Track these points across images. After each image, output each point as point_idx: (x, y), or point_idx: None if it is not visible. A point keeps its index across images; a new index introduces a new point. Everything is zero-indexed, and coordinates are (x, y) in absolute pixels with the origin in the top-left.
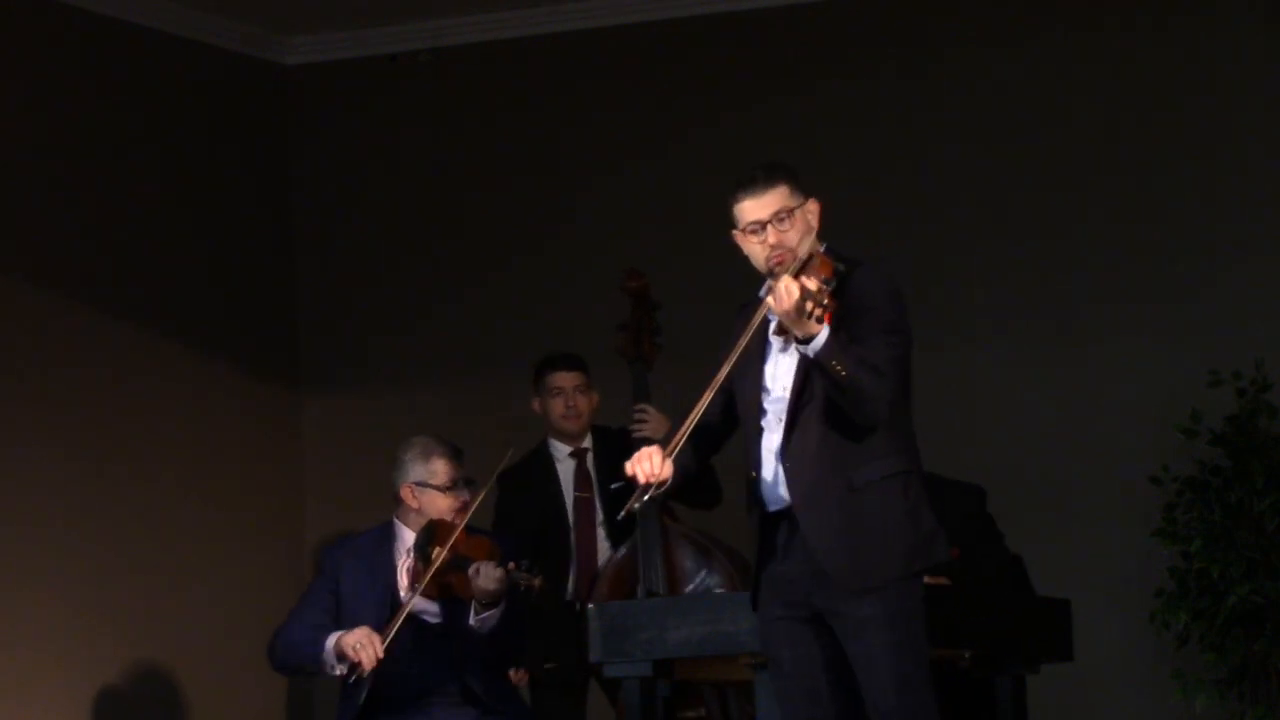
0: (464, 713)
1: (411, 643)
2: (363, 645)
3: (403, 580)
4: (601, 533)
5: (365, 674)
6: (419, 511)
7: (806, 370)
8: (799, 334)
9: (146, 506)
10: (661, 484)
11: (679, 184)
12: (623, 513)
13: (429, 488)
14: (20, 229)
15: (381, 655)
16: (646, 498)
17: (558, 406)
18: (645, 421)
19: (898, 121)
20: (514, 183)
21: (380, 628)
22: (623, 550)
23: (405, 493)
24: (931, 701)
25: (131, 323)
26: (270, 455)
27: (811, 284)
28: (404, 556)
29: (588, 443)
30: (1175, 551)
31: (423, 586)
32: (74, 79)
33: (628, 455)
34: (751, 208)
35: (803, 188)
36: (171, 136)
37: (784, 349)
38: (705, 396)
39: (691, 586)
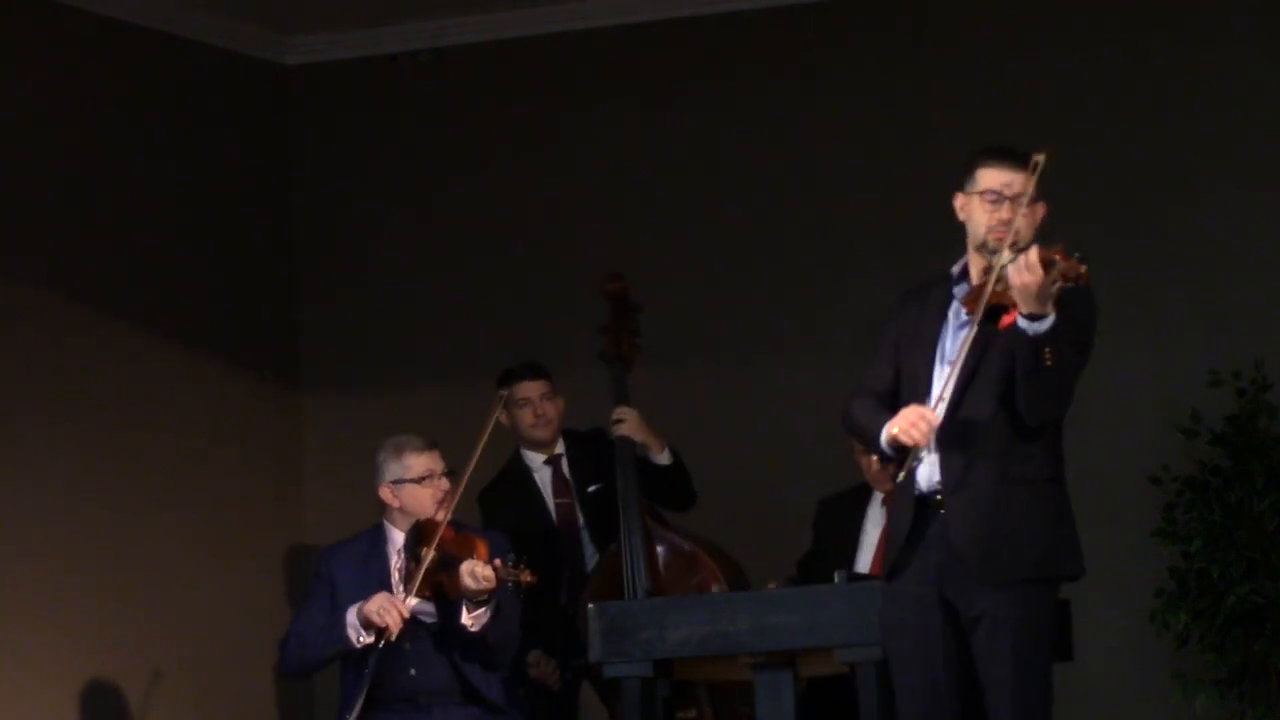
0: (464, 712)
1: (409, 643)
2: (386, 609)
3: (396, 582)
4: (585, 536)
5: (393, 637)
6: (402, 510)
7: (982, 352)
8: (1028, 309)
9: (146, 505)
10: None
11: (681, 184)
12: (902, 473)
13: (405, 483)
14: (19, 229)
15: (407, 616)
16: (923, 456)
17: (527, 417)
18: (623, 422)
19: (896, 122)
20: (514, 183)
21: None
22: (606, 557)
23: (385, 493)
24: (1050, 711)
25: (131, 322)
26: (270, 455)
27: (1058, 256)
28: (395, 558)
29: (560, 448)
30: (1175, 551)
31: (415, 587)
32: (73, 79)
33: (601, 456)
34: (998, 177)
35: (1043, 190)
36: (171, 136)
37: (963, 326)
38: (950, 373)
39: (678, 589)
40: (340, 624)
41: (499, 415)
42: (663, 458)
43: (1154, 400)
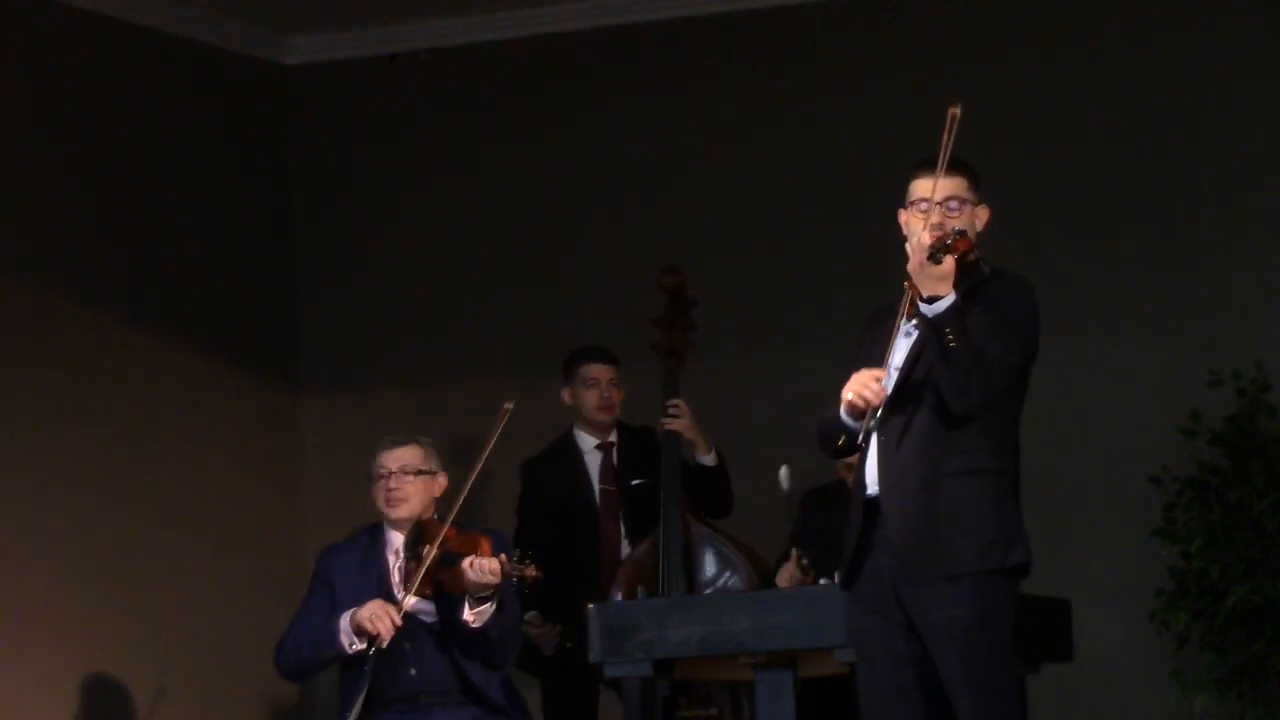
0: (465, 712)
1: (410, 643)
2: (378, 616)
3: (396, 581)
4: (623, 528)
5: (384, 645)
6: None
7: (918, 353)
8: (925, 292)
9: (146, 505)
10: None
11: (683, 183)
12: (862, 436)
13: (376, 481)
14: (20, 229)
15: (400, 624)
16: (879, 416)
17: (592, 398)
18: (677, 417)
19: (899, 122)
20: (514, 183)
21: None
22: (643, 546)
23: (373, 495)
24: (1014, 708)
25: (132, 323)
26: (270, 455)
27: (941, 235)
28: (393, 558)
29: (613, 437)
30: (1175, 551)
31: (415, 585)
32: (71, 79)
33: (648, 453)
34: (927, 186)
35: (979, 192)
36: (171, 137)
37: (908, 333)
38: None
39: (711, 589)
40: (334, 629)
41: (563, 394)
42: (708, 459)
43: (1154, 400)
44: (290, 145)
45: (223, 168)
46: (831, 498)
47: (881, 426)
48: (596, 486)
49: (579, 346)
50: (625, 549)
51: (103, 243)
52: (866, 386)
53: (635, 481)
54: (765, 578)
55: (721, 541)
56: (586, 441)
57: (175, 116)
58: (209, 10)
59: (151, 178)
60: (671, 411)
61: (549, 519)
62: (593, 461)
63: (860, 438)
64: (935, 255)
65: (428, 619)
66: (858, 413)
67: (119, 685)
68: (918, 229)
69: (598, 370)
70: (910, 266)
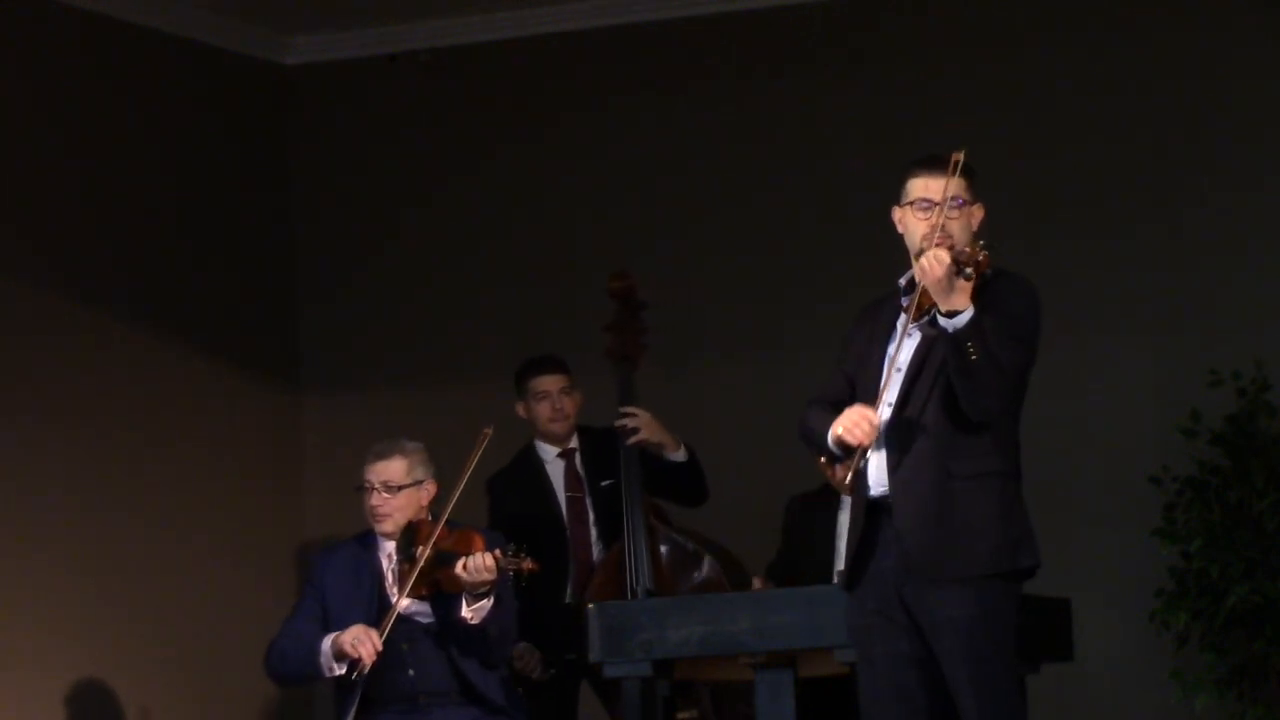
0: (463, 713)
1: (407, 644)
2: (360, 641)
3: (390, 584)
4: (594, 532)
5: (365, 670)
6: None
7: (925, 354)
8: (944, 307)
9: (146, 505)
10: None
11: (682, 183)
12: (850, 474)
13: (363, 490)
14: (20, 229)
15: (380, 648)
16: (869, 456)
17: (545, 410)
18: (635, 427)
19: (896, 122)
20: (514, 182)
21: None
22: (609, 555)
23: (363, 501)
24: (1017, 708)
25: (131, 322)
26: (270, 455)
27: (964, 251)
28: (388, 560)
29: (574, 443)
30: (1175, 551)
31: (410, 586)
32: (72, 79)
33: (614, 453)
34: (927, 185)
35: (977, 191)
36: (171, 137)
37: (911, 333)
38: (887, 376)
39: (681, 587)
40: (315, 651)
41: (517, 408)
42: (679, 455)
43: (1154, 400)
44: (290, 145)
45: (223, 168)
46: (822, 504)
47: (891, 426)
48: (562, 496)
49: (528, 358)
50: (600, 550)
51: (103, 243)
52: (858, 426)
53: (605, 483)
54: (736, 577)
55: (684, 542)
56: (548, 452)
57: (175, 116)
58: (209, 10)
59: (150, 178)
60: (629, 423)
61: (517, 533)
62: (555, 471)
63: (848, 479)
64: (964, 272)
65: (424, 620)
66: (846, 449)
67: (119, 685)
68: (916, 229)
69: (547, 382)
70: (928, 281)
